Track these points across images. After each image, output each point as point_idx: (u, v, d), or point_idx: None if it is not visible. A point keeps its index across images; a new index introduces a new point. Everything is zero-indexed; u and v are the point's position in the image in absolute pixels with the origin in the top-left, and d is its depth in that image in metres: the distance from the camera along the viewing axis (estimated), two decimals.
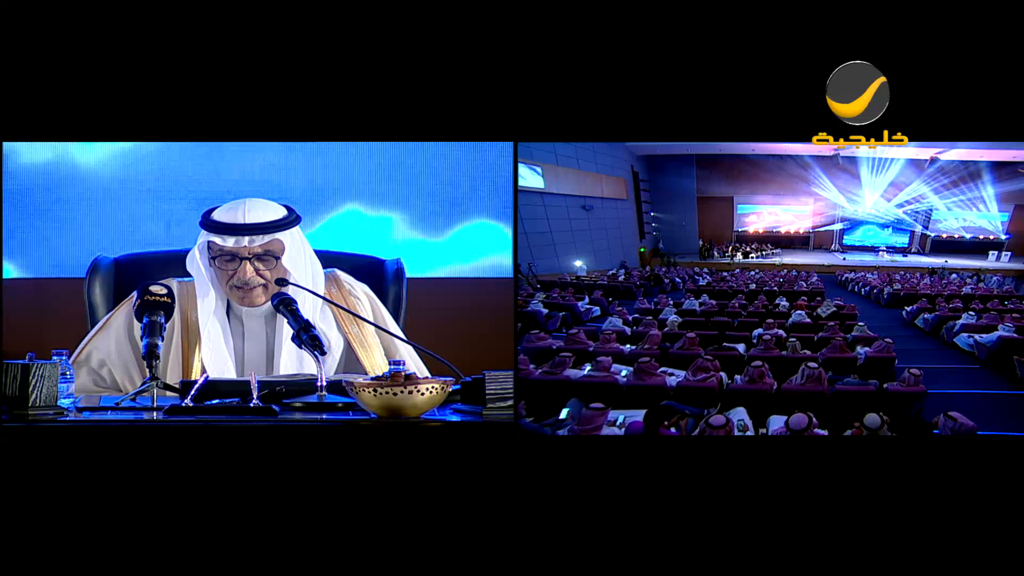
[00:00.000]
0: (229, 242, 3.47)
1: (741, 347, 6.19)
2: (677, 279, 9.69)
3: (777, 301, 8.36)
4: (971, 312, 7.34)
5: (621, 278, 9.02)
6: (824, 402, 4.88)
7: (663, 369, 5.19)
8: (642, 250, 10.12)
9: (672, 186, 10.54)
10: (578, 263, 8.71)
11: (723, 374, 5.12)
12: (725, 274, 10.12)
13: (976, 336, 6.52)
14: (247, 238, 3.47)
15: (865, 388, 4.97)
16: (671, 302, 8.09)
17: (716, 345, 6.08)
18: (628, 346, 6.13)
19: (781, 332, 6.56)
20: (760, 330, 6.69)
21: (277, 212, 3.53)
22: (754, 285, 9.46)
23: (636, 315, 7.38)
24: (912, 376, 4.90)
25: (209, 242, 3.50)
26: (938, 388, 5.26)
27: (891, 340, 5.99)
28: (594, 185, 9.24)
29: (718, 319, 7.35)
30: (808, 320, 7.44)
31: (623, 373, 5.07)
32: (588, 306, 7.58)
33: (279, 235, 3.50)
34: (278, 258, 3.49)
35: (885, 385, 5.03)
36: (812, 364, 4.99)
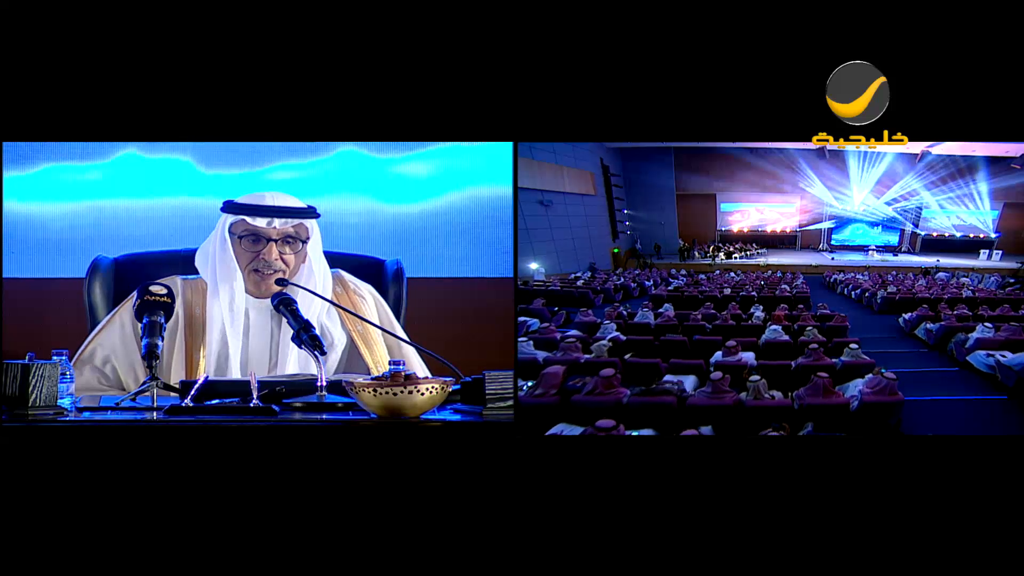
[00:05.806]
0: (260, 222, 3.52)
1: (689, 382, 4.53)
2: (647, 283, 9.17)
3: (752, 310, 6.94)
4: (987, 324, 5.84)
5: (581, 283, 8.09)
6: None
7: (557, 428, 3.56)
8: (615, 251, 9.74)
9: (648, 181, 10.08)
10: (534, 265, 7.85)
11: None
12: (702, 276, 9.29)
13: (998, 355, 5.17)
14: (278, 220, 3.52)
15: None
16: (624, 312, 6.52)
17: (643, 388, 4.21)
18: (527, 384, 4.25)
19: (748, 357, 5.10)
20: (719, 354, 5.06)
21: (299, 203, 3.59)
22: (729, 290, 8.21)
23: (574, 331, 5.69)
24: None
25: (234, 223, 3.55)
26: (958, 431, 3.92)
27: (894, 376, 4.38)
28: (553, 178, 8.62)
29: (672, 337, 5.69)
30: (785, 337, 5.82)
31: None
32: (523, 319, 5.84)
33: (305, 221, 3.57)
34: (304, 242, 3.55)
35: None
36: (773, 434, 3.42)
